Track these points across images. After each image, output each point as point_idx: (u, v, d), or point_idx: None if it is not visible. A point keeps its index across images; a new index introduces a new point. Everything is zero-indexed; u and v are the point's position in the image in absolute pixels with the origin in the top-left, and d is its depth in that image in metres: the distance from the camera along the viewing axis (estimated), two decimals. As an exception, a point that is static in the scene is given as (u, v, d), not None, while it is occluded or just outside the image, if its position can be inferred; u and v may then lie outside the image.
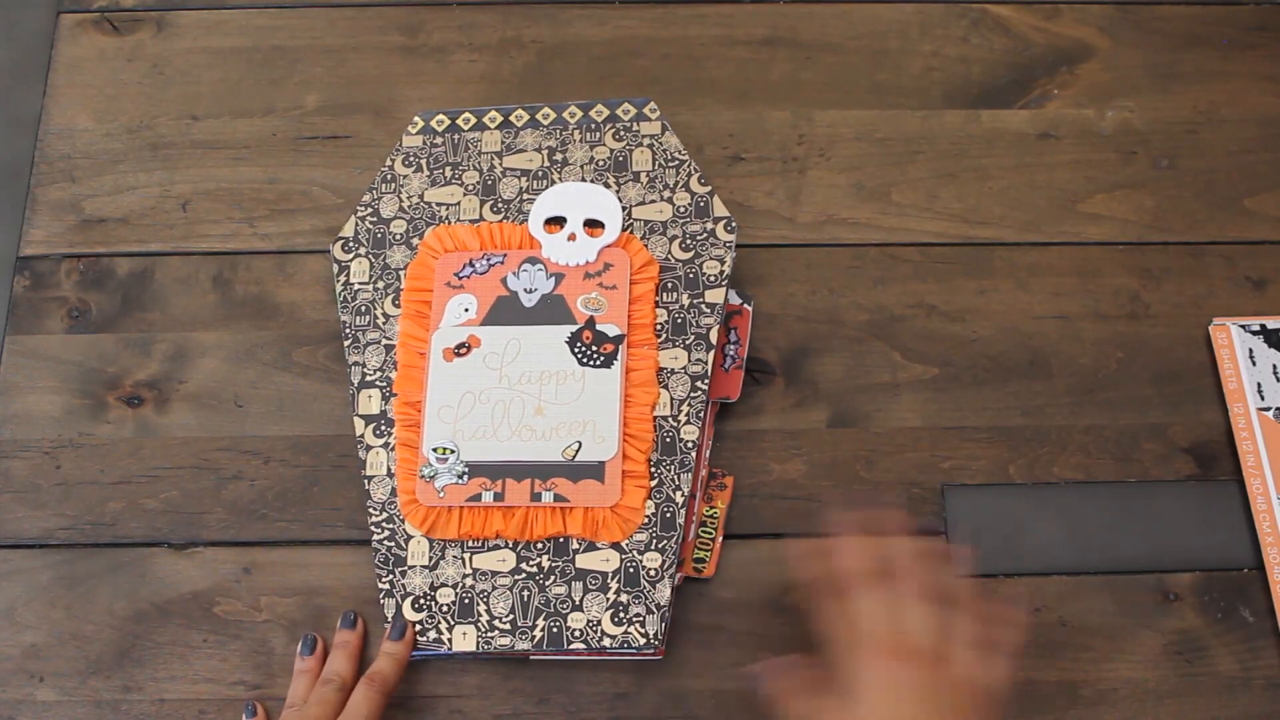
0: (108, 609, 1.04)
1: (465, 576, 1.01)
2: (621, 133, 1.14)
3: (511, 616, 1.00)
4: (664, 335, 1.06)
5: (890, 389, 1.10)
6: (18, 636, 1.03)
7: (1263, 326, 1.11)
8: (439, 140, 1.14)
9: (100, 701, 1.01)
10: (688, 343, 1.06)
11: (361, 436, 1.05)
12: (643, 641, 0.99)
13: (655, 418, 1.04)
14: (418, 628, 1.00)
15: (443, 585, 1.01)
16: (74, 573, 1.05)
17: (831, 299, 1.13)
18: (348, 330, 1.08)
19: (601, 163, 1.13)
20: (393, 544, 1.03)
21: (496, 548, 1.02)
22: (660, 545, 1.01)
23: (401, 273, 1.10)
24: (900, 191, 1.16)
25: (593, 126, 1.14)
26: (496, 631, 1.00)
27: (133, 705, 1.01)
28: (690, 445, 1.03)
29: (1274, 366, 1.10)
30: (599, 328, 1.06)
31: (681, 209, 1.10)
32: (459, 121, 1.15)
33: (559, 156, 1.13)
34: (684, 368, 1.05)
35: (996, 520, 1.07)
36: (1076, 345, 1.12)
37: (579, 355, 1.05)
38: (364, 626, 1.03)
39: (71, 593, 1.04)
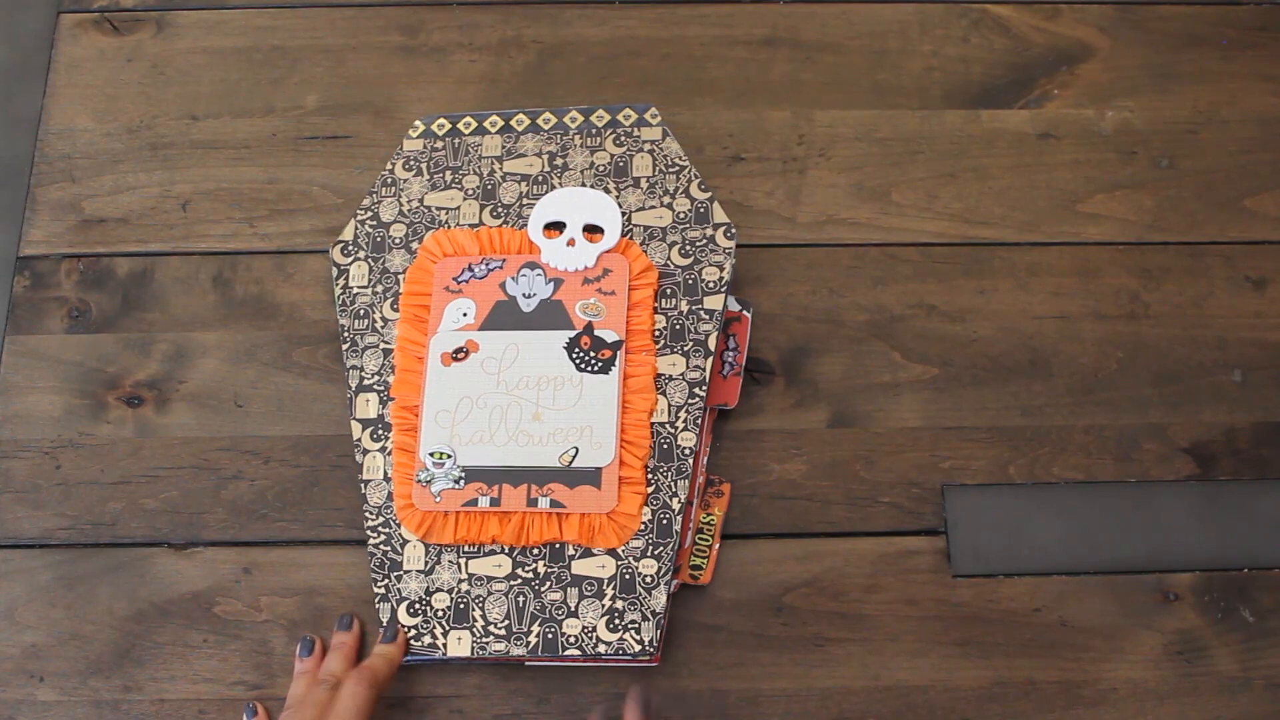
0: (108, 609, 1.04)
1: (461, 581, 1.01)
2: (622, 138, 1.14)
3: (507, 622, 1.00)
4: (662, 341, 1.06)
5: (890, 389, 1.10)
6: (18, 636, 1.03)
7: None
8: (439, 144, 1.14)
9: (100, 701, 1.01)
10: (686, 349, 1.06)
11: (359, 440, 1.06)
12: (638, 648, 0.99)
13: (653, 424, 1.04)
14: (412, 633, 1.01)
15: (438, 590, 1.01)
16: (74, 573, 1.05)
17: (831, 299, 1.13)
18: (346, 334, 1.09)
19: (602, 168, 1.13)
20: (388, 548, 1.03)
21: (492, 553, 1.02)
22: (656, 552, 1.01)
23: (400, 277, 1.10)
24: (900, 191, 1.16)
25: (593, 132, 1.14)
26: (491, 637, 1.00)
27: (133, 705, 1.02)
28: (687, 452, 1.03)
29: None
30: (597, 333, 1.06)
31: (681, 215, 1.10)
32: (460, 126, 1.15)
33: (559, 161, 1.13)
34: (682, 374, 1.05)
35: (996, 520, 1.07)
36: (1076, 345, 1.12)
37: (577, 361, 1.05)
38: (360, 628, 1.03)
39: (71, 593, 1.04)
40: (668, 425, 1.04)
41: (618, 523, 1.01)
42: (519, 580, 1.01)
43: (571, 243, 1.09)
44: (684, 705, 1.01)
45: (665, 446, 1.04)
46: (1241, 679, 1.03)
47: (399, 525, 1.03)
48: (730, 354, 1.09)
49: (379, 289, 1.10)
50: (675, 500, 1.02)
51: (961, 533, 1.06)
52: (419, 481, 1.03)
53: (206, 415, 1.09)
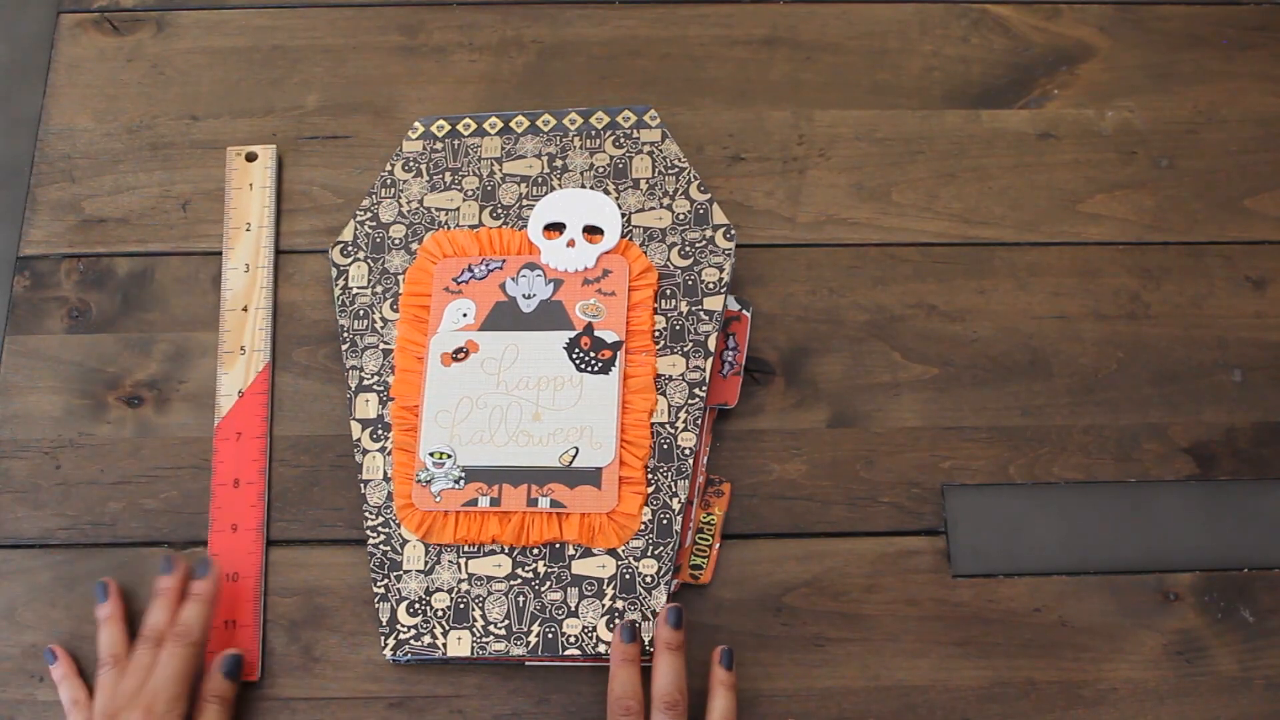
0: (108, 609, 1.04)
1: (460, 581, 1.01)
2: (621, 139, 1.14)
3: (507, 622, 1.00)
4: (662, 342, 1.06)
5: (890, 389, 1.10)
6: (18, 636, 1.03)
7: None
8: (439, 145, 1.14)
9: (100, 702, 1.01)
10: (686, 350, 1.06)
11: (358, 440, 1.06)
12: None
13: (653, 424, 1.04)
14: (412, 633, 1.01)
15: (438, 590, 1.01)
16: (74, 573, 1.05)
17: (831, 299, 1.13)
18: (345, 334, 1.09)
19: (601, 169, 1.13)
20: (388, 548, 1.03)
21: (492, 553, 1.02)
22: (657, 552, 1.01)
23: (400, 277, 1.10)
24: (900, 191, 1.16)
25: (593, 133, 1.14)
26: (491, 637, 1.00)
27: (133, 706, 1.02)
28: (687, 452, 1.03)
29: None
30: (597, 334, 1.06)
31: (681, 216, 1.10)
32: (459, 127, 1.15)
33: (559, 163, 1.13)
34: (682, 374, 1.05)
35: (996, 520, 1.07)
36: (1076, 345, 1.12)
37: (577, 361, 1.05)
38: (186, 569, 1.02)
39: (71, 593, 1.04)
40: (668, 426, 1.04)
41: (618, 523, 1.01)
42: (519, 580, 1.01)
43: (571, 244, 1.09)
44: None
45: (665, 447, 1.04)
46: (1241, 679, 1.03)
47: (399, 525, 1.03)
48: (730, 353, 1.09)
49: (379, 289, 1.10)
50: (675, 500, 1.02)
51: (961, 533, 1.06)
52: (419, 481, 1.03)
53: (206, 415, 1.09)
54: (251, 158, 1.16)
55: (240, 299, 1.11)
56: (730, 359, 1.09)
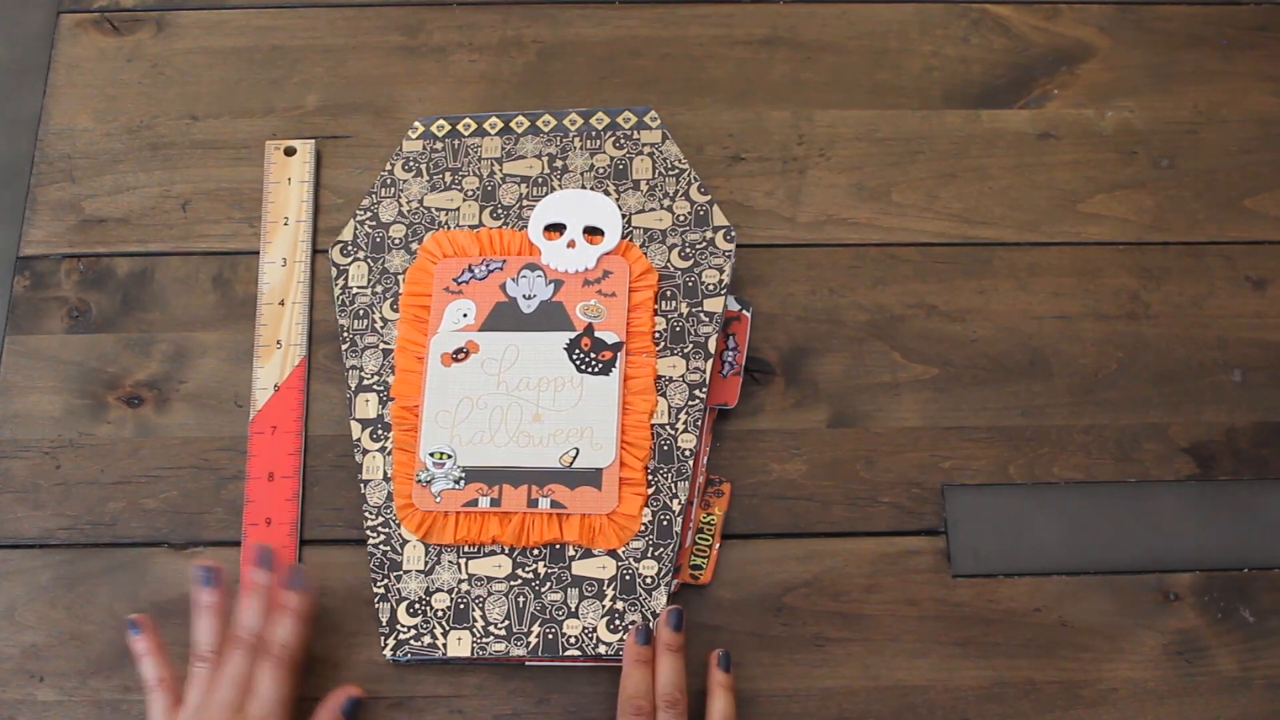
0: (108, 609, 1.04)
1: (461, 582, 1.01)
2: (622, 140, 1.14)
3: (507, 623, 1.00)
4: (662, 343, 1.06)
5: (890, 389, 1.10)
6: (18, 636, 1.03)
7: None
8: (439, 145, 1.14)
9: (100, 701, 1.01)
10: (686, 351, 1.06)
11: (358, 440, 1.06)
12: None
13: (653, 425, 1.04)
14: (412, 633, 1.01)
15: (438, 590, 1.01)
16: (74, 573, 1.05)
17: (831, 299, 1.13)
18: (345, 334, 1.08)
19: (602, 170, 1.13)
20: (388, 548, 1.03)
21: (492, 553, 1.02)
22: (657, 553, 1.01)
23: (400, 277, 1.10)
24: (900, 191, 1.16)
25: (593, 134, 1.14)
26: (491, 637, 1.00)
27: (133, 705, 1.01)
28: (688, 453, 1.03)
29: None
30: (597, 335, 1.06)
31: (681, 217, 1.10)
32: (459, 127, 1.15)
33: (559, 163, 1.13)
34: (682, 376, 1.05)
35: (996, 520, 1.07)
36: (1076, 345, 1.12)
37: (577, 362, 1.05)
38: (283, 570, 1.01)
39: (71, 593, 1.04)
40: (668, 427, 1.04)
41: (618, 524, 1.02)
42: (519, 581, 1.01)
43: (572, 244, 1.09)
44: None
45: (665, 448, 1.04)
46: (1241, 679, 1.03)
47: (399, 525, 1.03)
48: (730, 353, 1.09)
49: (379, 289, 1.10)
50: (675, 501, 1.02)
51: (961, 533, 1.06)
52: (419, 482, 1.03)
53: (206, 415, 1.09)
54: (290, 152, 1.16)
55: (277, 293, 1.11)
56: (730, 359, 1.09)
